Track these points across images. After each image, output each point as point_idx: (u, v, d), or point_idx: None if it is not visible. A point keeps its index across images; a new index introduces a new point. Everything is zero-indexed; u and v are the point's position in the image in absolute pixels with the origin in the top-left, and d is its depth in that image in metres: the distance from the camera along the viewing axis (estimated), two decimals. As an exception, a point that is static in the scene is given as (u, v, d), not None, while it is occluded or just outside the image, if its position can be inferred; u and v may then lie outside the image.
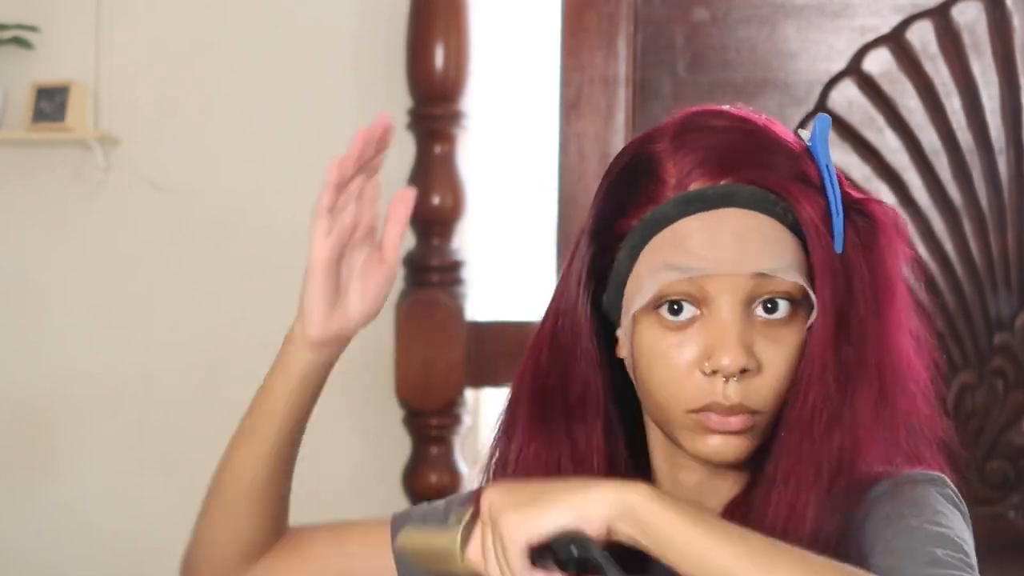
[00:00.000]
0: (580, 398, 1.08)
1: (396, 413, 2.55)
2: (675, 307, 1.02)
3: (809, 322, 1.02)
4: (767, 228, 1.01)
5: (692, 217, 1.01)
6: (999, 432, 2.35)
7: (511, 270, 2.63)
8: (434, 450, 2.51)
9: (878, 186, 2.36)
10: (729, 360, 1.00)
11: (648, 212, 1.03)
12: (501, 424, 1.12)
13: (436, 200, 2.48)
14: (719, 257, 1.00)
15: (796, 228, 1.02)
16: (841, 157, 2.37)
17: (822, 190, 1.03)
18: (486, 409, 2.59)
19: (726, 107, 1.08)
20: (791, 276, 1.00)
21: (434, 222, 2.50)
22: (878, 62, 2.37)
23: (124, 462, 2.75)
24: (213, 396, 2.72)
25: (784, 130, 1.08)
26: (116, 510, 2.75)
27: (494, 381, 2.45)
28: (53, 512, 2.77)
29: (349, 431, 2.66)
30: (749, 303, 1.01)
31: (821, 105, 2.37)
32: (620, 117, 2.41)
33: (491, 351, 2.42)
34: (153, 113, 2.73)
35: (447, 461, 2.51)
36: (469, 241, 2.56)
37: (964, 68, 2.35)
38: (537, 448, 1.09)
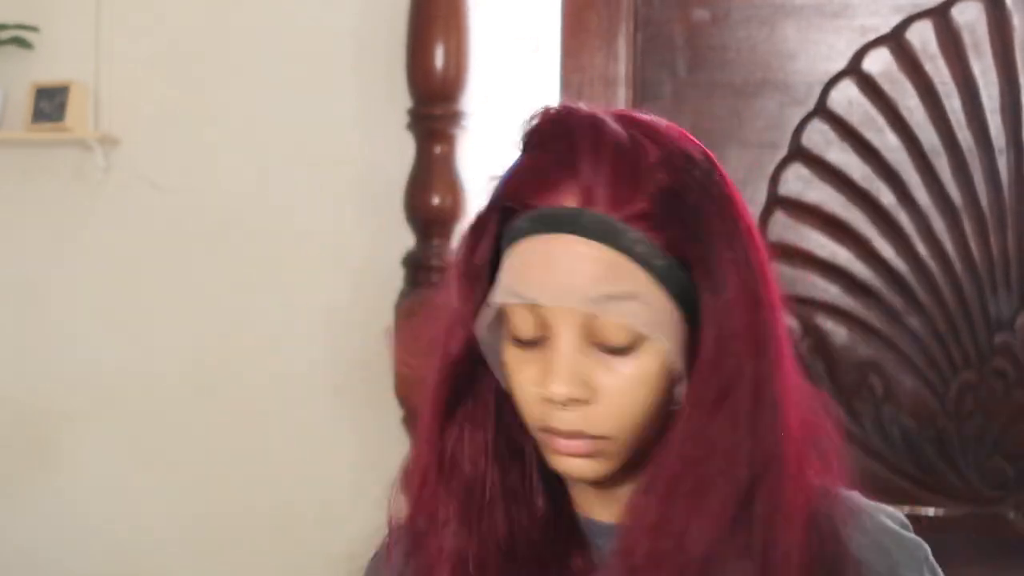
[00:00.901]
0: (476, 390, 1.08)
1: (396, 413, 2.55)
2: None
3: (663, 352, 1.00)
4: (607, 260, 0.98)
5: (536, 238, 1.00)
6: (999, 432, 2.35)
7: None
8: (434, 450, 2.51)
9: (878, 185, 2.36)
10: (556, 391, 0.99)
11: (511, 218, 1.02)
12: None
13: (436, 200, 2.48)
14: (550, 289, 0.99)
15: (648, 256, 0.99)
16: (841, 157, 2.37)
17: (679, 193, 0.99)
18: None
19: (582, 108, 1.04)
20: (616, 315, 0.98)
21: (434, 222, 2.50)
22: (878, 62, 2.37)
23: (124, 462, 2.75)
24: (213, 396, 2.72)
25: (655, 129, 1.02)
26: (116, 510, 2.75)
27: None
28: (53, 512, 2.77)
29: (349, 431, 2.66)
30: (587, 333, 1.00)
31: (821, 105, 2.37)
32: (620, 117, 2.41)
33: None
34: (153, 113, 2.73)
35: (447, 461, 2.51)
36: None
37: (964, 68, 2.35)
38: (432, 445, 1.08)
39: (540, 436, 1.03)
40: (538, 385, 1.01)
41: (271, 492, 2.70)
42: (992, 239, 2.34)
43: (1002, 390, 2.35)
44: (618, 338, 0.99)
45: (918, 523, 1.13)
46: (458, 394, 1.07)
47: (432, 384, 1.07)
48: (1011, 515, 2.35)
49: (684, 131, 1.04)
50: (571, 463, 1.02)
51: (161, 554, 2.75)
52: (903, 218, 2.36)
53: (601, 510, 1.08)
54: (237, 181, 2.71)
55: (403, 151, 2.54)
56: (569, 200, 0.99)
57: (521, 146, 1.05)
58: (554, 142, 1.02)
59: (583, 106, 1.05)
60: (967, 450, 2.35)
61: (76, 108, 2.68)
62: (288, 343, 2.68)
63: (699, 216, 0.99)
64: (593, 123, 1.02)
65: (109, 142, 2.73)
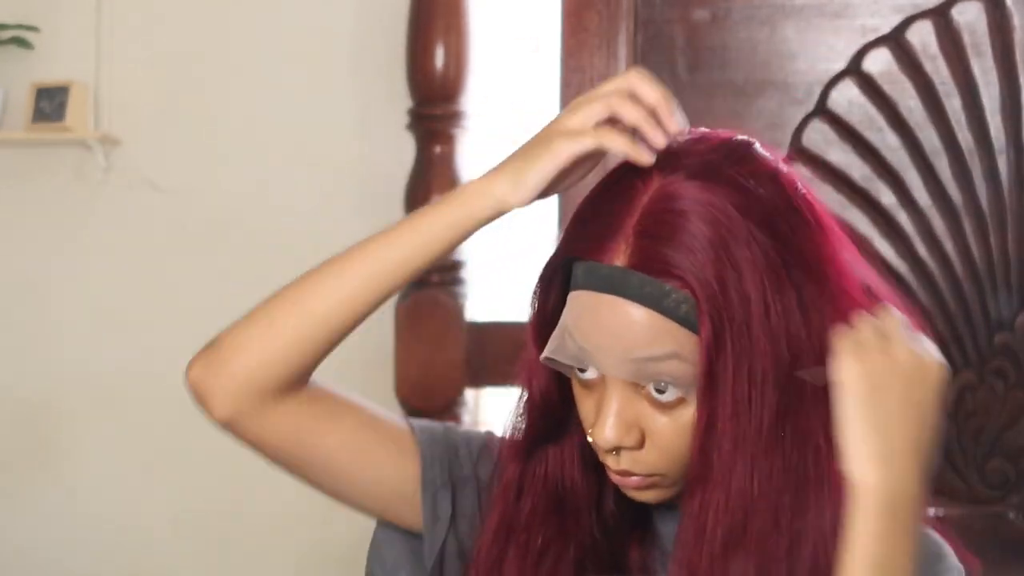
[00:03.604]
0: (563, 417, 1.11)
1: (396, 413, 2.55)
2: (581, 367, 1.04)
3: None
4: (650, 323, 0.99)
5: (586, 293, 1.02)
6: (999, 432, 2.35)
7: (511, 270, 2.63)
8: (434, 450, 2.51)
9: (878, 186, 2.36)
10: (602, 440, 1.01)
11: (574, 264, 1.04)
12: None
13: (436, 200, 2.48)
14: (596, 346, 1.01)
15: (691, 317, 0.99)
16: (841, 157, 2.37)
17: (723, 250, 0.99)
18: (486, 409, 2.59)
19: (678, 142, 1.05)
20: (652, 378, 0.99)
21: (434, 222, 2.50)
22: (878, 62, 2.37)
23: (124, 462, 2.75)
24: (213, 396, 2.72)
25: (716, 168, 1.02)
26: (116, 509, 2.75)
27: (494, 381, 2.45)
28: (53, 511, 2.77)
29: (349, 431, 2.66)
30: (636, 383, 1.01)
31: (821, 105, 2.37)
32: (620, 117, 2.41)
33: (491, 351, 2.42)
34: (153, 113, 2.74)
35: (447, 461, 2.51)
36: (469, 241, 2.55)
37: (964, 68, 2.35)
38: (518, 469, 1.12)
39: (602, 460, 1.06)
40: (591, 427, 1.03)
41: (271, 491, 2.70)
42: (992, 239, 2.34)
43: (1002, 390, 2.35)
44: (670, 389, 1.00)
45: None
46: (546, 427, 1.10)
47: (522, 423, 1.11)
48: (1011, 515, 2.35)
49: (755, 153, 1.05)
50: (634, 492, 1.05)
51: (161, 553, 2.75)
52: (903, 218, 2.36)
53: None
54: (237, 181, 2.71)
55: (403, 151, 2.54)
56: (618, 258, 1.00)
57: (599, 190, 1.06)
58: (605, 199, 1.04)
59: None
60: (967, 450, 2.35)
61: (76, 108, 2.68)
62: (288, 343, 2.68)
63: (739, 274, 0.98)
64: (638, 183, 1.02)
65: (109, 142, 2.73)
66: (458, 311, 2.49)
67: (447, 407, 2.50)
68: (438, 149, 2.50)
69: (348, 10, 2.65)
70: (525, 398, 1.11)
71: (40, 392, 2.79)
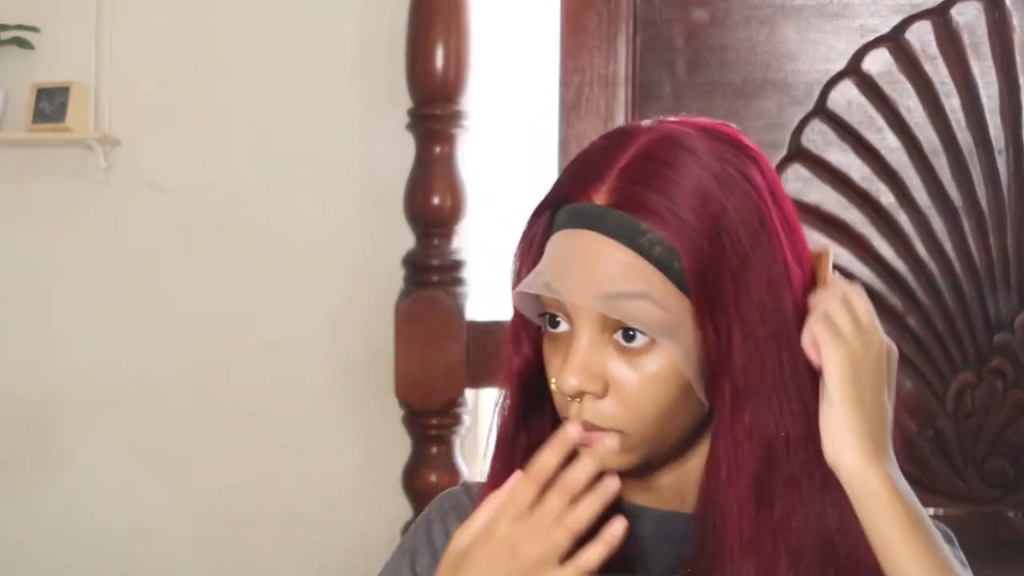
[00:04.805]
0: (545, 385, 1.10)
1: (396, 413, 2.55)
2: (554, 319, 1.05)
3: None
4: (624, 259, 1.01)
5: (566, 232, 1.04)
6: (999, 431, 2.35)
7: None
8: (434, 450, 2.51)
9: (878, 186, 2.36)
10: (565, 383, 1.02)
11: (558, 211, 1.06)
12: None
13: (436, 200, 2.48)
14: (566, 283, 1.02)
15: (665, 259, 1.01)
16: (841, 157, 2.37)
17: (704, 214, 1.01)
18: (486, 409, 2.59)
19: (642, 122, 1.08)
20: (623, 315, 1.00)
21: (434, 222, 2.50)
22: (877, 62, 2.37)
23: (124, 461, 2.75)
24: (213, 396, 2.72)
25: (695, 146, 1.05)
26: (117, 509, 2.75)
27: (494, 381, 2.45)
28: (55, 510, 2.77)
29: (349, 431, 2.66)
30: (605, 329, 1.02)
31: (821, 105, 2.37)
32: (620, 118, 2.42)
33: (491, 351, 2.42)
34: (154, 114, 2.74)
35: (447, 461, 2.52)
36: (469, 241, 2.56)
37: (963, 68, 2.35)
38: (506, 445, 1.13)
39: (565, 415, 1.06)
40: (556, 376, 1.03)
41: (271, 491, 2.70)
42: (991, 239, 2.34)
43: (1001, 390, 2.35)
44: (638, 336, 1.01)
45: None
46: (527, 397, 1.11)
47: (507, 399, 1.11)
48: (1011, 515, 2.35)
49: (735, 135, 1.08)
50: (591, 454, 1.03)
51: (161, 553, 2.75)
52: (903, 218, 2.36)
53: (638, 494, 1.10)
54: (237, 181, 2.71)
55: (403, 151, 2.54)
56: (599, 198, 1.02)
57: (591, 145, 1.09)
58: (599, 146, 1.06)
59: (646, 121, 1.08)
60: (966, 450, 2.35)
61: (77, 109, 2.68)
62: (288, 343, 2.68)
63: (723, 220, 1.01)
64: (633, 131, 1.05)
65: (109, 142, 2.73)
66: (458, 311, 2.49)
67: (447, 407, 2.50)
68: (438, 149, 2.50)
69: (348, 10, 2.65)
70: (509, 367, 1.11)
71: (40, 392, 2.79)
